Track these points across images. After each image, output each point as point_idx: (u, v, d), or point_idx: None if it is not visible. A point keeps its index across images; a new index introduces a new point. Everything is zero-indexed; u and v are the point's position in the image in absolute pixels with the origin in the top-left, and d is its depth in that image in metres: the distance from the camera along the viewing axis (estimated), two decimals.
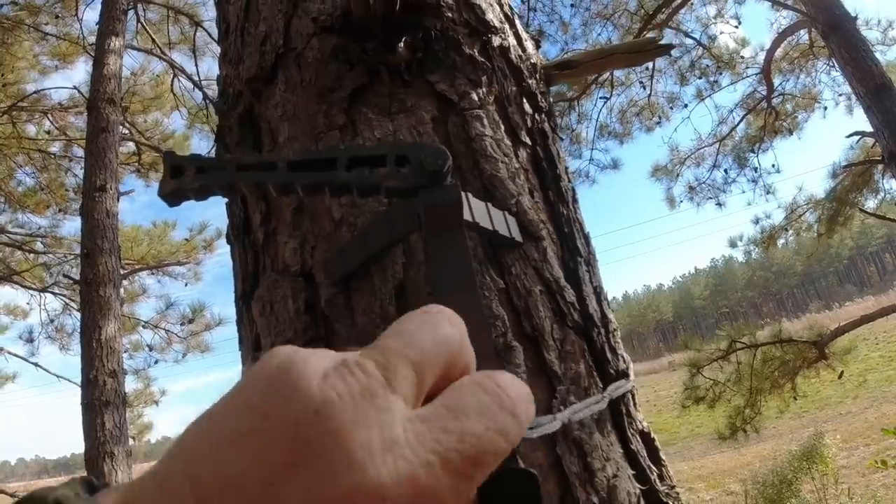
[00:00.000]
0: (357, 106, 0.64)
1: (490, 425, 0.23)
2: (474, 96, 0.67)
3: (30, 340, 7.92)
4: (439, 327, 0.26)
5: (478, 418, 0.23)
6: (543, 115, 0.75)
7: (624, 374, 0.65)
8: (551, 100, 0.83)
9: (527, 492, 0.36)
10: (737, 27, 7.99)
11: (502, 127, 0.68)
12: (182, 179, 0.46)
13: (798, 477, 5.84)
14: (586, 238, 0.72)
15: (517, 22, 0.83)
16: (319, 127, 0.64)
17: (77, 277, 4.63)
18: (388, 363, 0.22)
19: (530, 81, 0.76)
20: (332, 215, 0.60)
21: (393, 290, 0.56)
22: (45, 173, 7.51)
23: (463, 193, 0.47)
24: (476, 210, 0.51)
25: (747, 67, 8.32)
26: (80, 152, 6.57)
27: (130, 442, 4.08)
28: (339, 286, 0.57)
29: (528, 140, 0.70)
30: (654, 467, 0.68)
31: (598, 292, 0.69)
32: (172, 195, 0.46)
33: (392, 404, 0.21)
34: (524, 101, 0.73)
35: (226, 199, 0.81)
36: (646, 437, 0.70)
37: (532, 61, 0.80)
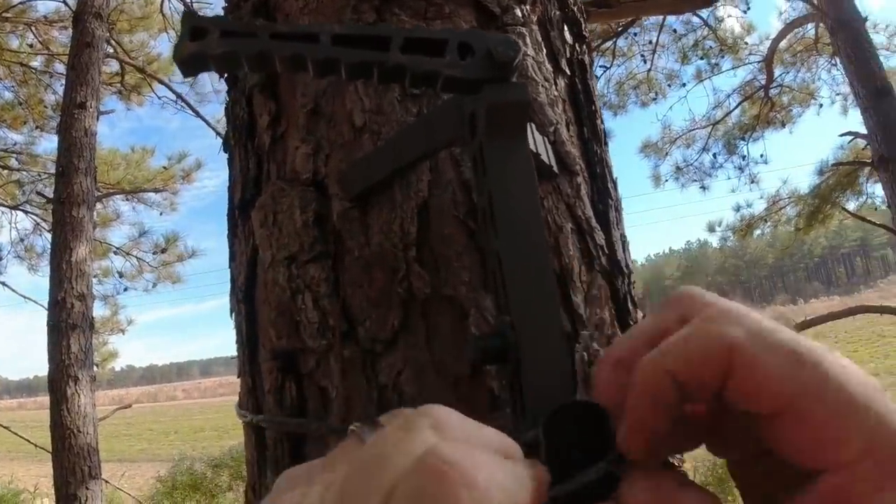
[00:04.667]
0: (389, 6, 0.58)
1: None
2: (518, 12, 0.60)
3: None
4: None
5: None
6: (584, 47, 0.69)
7: None
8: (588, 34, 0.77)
9: (593, 426, 0.29)
10: (745, 12, 7.87)
11: (544, 50, 0.62)
12: (205, 42, 0.38)
13: None
14: (615, 183, 0.67)
15: None
16: (346, 23, 0.58)
17: (50, 196, 4.46)
18: None
19: (573, 8, 0.70)
20: (354, 121, 0.54)
21: (416, 207, 0.50)
22: (25, 88, 7.20)
23: None
24: None
25: (750, 54, 8.25)
26: (61, 69, 6.31)
27: (95, 368, 4.01)
28: (357, 200, 0.52)
29: (567, 69, 0.65)
30: None
31: (624, 240, 0.65)
32: (191, 60, 0.39)
33: None
34: (565, 27, 0.67)
35: (225, 104, 0.74)
36: None
37: None
